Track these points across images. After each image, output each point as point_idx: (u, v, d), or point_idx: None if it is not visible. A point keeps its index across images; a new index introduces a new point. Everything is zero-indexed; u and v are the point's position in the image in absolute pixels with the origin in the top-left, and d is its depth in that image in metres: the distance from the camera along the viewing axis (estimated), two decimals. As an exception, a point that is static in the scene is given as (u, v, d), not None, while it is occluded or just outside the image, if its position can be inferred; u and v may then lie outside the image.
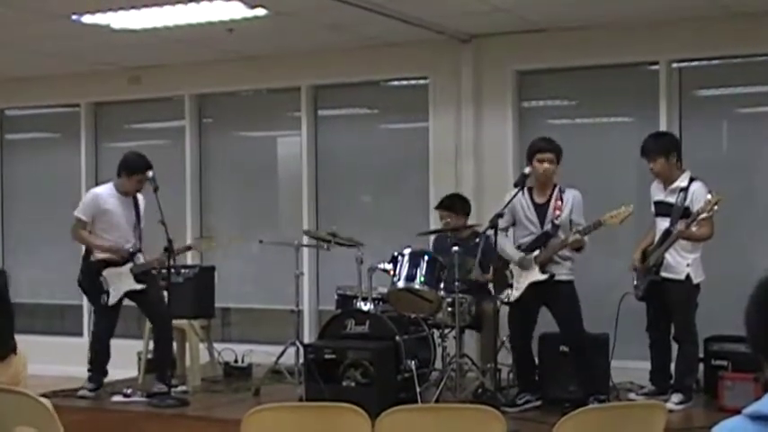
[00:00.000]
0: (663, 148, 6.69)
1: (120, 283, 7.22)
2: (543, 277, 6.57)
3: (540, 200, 6.70)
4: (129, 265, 7.26)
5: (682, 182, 6.64)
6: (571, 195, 6.67)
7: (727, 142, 7.98)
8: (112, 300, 7.22)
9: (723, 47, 7.57)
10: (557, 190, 6.68)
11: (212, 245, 8.10)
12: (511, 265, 6.71)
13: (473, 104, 8.39)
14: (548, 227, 6.63)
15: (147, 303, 7.37)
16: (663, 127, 7.66)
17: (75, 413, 6.59)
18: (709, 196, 6.35)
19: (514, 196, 6.62)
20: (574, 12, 7.54)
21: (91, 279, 7.28)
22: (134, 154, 7.44)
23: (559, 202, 6.64)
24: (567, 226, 6.60)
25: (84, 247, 7.54)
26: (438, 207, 7.65)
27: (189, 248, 7.99)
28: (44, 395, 4.73)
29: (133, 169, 7.24)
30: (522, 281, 6.63)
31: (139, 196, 7.41)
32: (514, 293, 6.68)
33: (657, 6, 7.35)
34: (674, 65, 7.85)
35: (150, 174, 7.16)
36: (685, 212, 6.53)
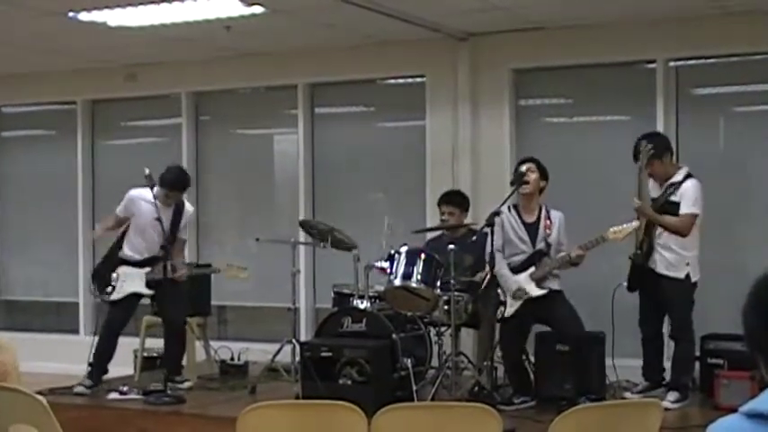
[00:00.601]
0: (657, 150, 6.68)
1: (129, 282, 7.28)
2: (542, 293, 6.66)
3: (528, 219, 6.82)
4: (147, 269, 7.31)
5: (677, 177, 6.68)
6: (557, 216, 6.84)
7: (723, 141, 7.98)
8: (114, 296, 7.29)
9: (720, 45, 7.57)
10: (544, 210, 6.83)
11: (240, 275, 7.83)
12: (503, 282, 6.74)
13: (470, 103, 8.39)
14: (540, 245, 6.76)
15: (162, 303, 7.43)
16: (660, 125, 7.67)
17: (71, 410, 6.58)
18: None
19: (511, 194, 6.64)
20: (571, 10, 7.54)
21: (105, 270, 7.37)
22: (176, 169, 7.44)
23: (548, 222, 6.80)
24: (557, 245, 6.76)
25: (115, 239, 7.57)
26: (441, 202, 7.62)
27: (218, 271, 7.97)
28: (40, 392, 4.73)
29: (161, 183, 7.24)
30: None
31: (188, 206, 7.51)
32: (509, 309, 6.70)
33: (654, 5, 7.35)
34: (671, 63, 7.85)
35: (172, 198, 7.26)
36: (670, 207, 6.55)
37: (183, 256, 7.60)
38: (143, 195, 7.30)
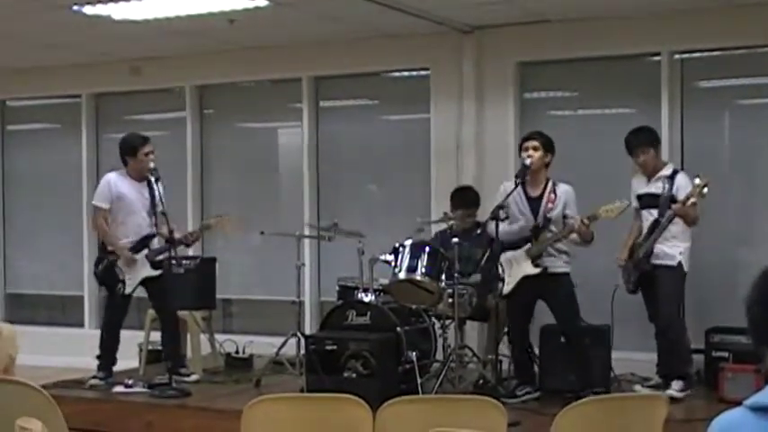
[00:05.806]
0: (650, 140, 6.78)
1: (136, 271, 7.28)
2: (536, 271, 6.60)
3: (533, 193, 6.72)
4: (145, 251, 7.31)
5: (665, 171, 6.73)
6: (564, 191, 6.70)
7: (728, 133, 7.96)
8: (128, 288, 7.29)
9: (725, 38, 7.55)
10: (550, 184, 6.72)
11: (228, 225, 7.79)
12: (502, 259, 6.69)
13: (474, 96, 8.38)
14: (540, 221, 6.65)
15: (157, 294, 7.41)
16: (665, 118, 7.68)
17: (76, 404, 6.61)
18: (697, 180, 6.41)
19: (515, 188, 6.60)
20: (576, 3, 7.53)
21: (107, 268, 7.34)
22: (128, 134, 7.58)
23: (552, 196, 6.67)
24: (560, 221, 6.64)
25: (99, 242, 7.61)
26: (459, 205, 7.52)
27: (208, 227, 7.91)
28: (45, 386, 4.74)
29: (133, 147, 7.31)
30: (515, 274, 6.64)
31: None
32: (506, 287, 6.68)
33: (659, -3, 7.34)
34: (676, 56, 7.83)
35: (150, 148, 7.30)
36: (672, 200, 6.58)
37: (170, 226, 7.40)
38: (120, 177, 7.37)
